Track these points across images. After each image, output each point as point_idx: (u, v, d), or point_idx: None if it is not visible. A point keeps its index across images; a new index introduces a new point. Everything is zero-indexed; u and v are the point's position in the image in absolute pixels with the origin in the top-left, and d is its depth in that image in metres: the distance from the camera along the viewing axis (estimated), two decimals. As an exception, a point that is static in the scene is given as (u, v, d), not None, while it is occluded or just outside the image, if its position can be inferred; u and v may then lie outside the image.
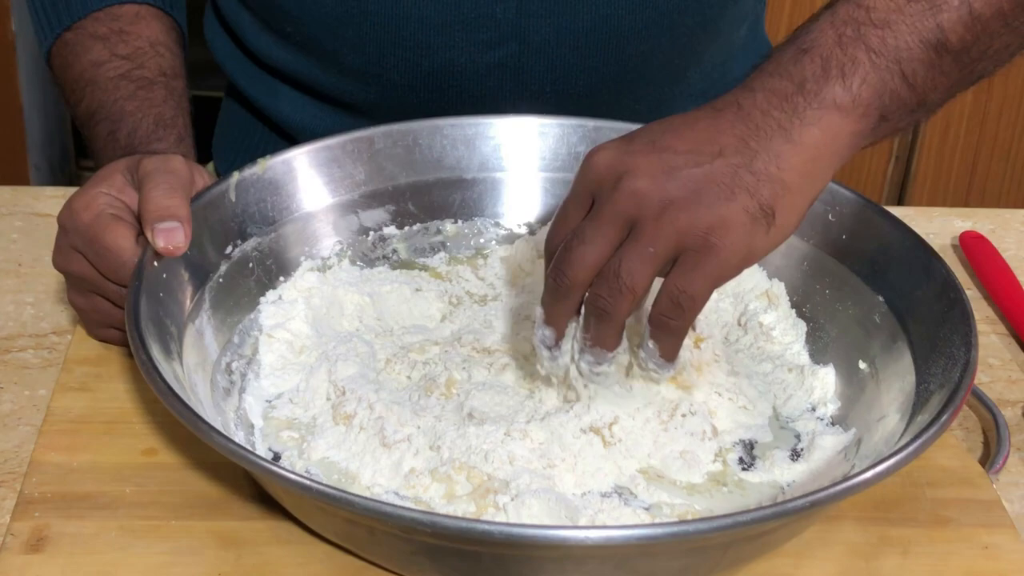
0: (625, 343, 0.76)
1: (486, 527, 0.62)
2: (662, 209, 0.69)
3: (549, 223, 0.76)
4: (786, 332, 0.89)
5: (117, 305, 0.84)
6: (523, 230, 0.99)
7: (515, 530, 0.64)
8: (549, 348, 0.76)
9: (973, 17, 0.75)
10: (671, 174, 0.70)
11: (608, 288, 0.70)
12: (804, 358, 0.87)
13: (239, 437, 0.77)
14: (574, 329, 0.75)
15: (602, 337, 0.73)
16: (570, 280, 0.72)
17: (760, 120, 0.72)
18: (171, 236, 0.80)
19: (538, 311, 0.76)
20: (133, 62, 1.00)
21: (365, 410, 0.78)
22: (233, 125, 1.21)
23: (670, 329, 0.72)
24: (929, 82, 0.75)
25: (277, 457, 0.78)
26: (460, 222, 0.98)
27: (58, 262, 0.86)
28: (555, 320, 0.75)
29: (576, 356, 0.76)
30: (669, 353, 0.74)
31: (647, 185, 0.70)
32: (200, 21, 1.17)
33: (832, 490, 0.64)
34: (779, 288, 0.90)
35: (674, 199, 0.69)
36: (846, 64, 0.72)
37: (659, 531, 0.64)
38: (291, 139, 1.13)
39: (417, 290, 0.92)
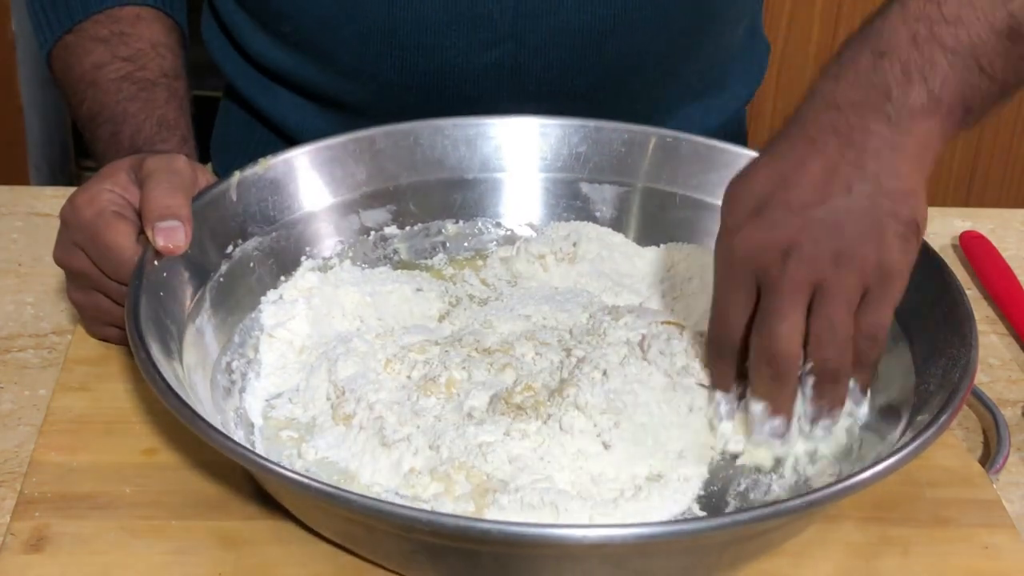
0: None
1: (484, 526, 0.62)
2: (836, 264, 0.72)
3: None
4: None
5: (117, 303, 0.84)
6: (525, 231, 0.99)
7: (513, 529, 0.64)
8: (781, 436, 0.77)
9: None
10: (826, 230, 0.73)
11: (835, 350, 0.73)
12: None
13: (239, 436, 0.77)
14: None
15: (838, 397, 0.76)
16: (786, 358, 0.74)
17: (863, 139, 0.74)
18: (171, 235, 0.80)
19: (753, 407, 0.76)
20: (135, 64, 1.00)
21: (364, 410, 0.78)
22: (231, 126, 1.21)
23: (870, 361, 0.75)
24: (1009, 69, 0.76)
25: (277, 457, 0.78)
26: (461, 222, 0.98)
27: (59, 257, 0.86)
28: (783, 406, 0.76)
29: (807, 429, 0.77)
30: (865, 386, 0.77)
31: (813, 249, 0.72)
32: (198, 22, 1.17)
33: (832, 490, 0.65)
34: None
35: (840, 250, 0.73)
36: (925, 67, 0.74)
37: (657, 530, 0.64)
38: (290, 140, 1.13)
39: (418, 290, 0.92)
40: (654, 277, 0.94)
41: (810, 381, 0.75)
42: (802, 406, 0.76)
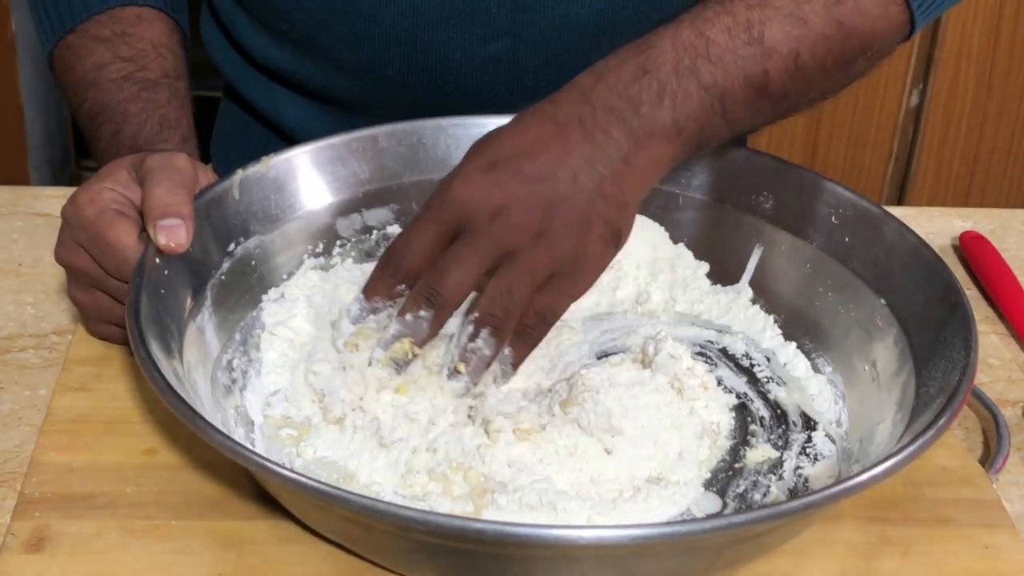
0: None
1: (480, 526, 0.62)
2: (535, 240, 0.77)
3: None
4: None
5: (118, 301, 0.84)
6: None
7: (509, 529, 0.64)
8: (400, 366, 0.80)
9: (798, 67, 0.83)
10: (542, 207, 0.77)
11: (503, 308, 0.78)
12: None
13: (239, 435, 0.78)
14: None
15: (487, 354, 0.79)
16: (443, 299, 0.78)
17: (602, 140, 0.79)
18: (173, 233, 0.80)
19: (393, 326, 0.80)
20: (136, 64, 1.00)
21: (355, 412, 0.79)
22: (231, 126, 1.21)
23: (531, 339, 0.80)
24: (745, 118, 0.83)
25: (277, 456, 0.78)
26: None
27: (60, 256, 0.86)
28: (419, 338, 0.79)
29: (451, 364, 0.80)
30: (518, 360, 0.81)
31: (523, 217, 0.77)
32: (198, 22, 1.17)
33: (831, 490, 0.65)
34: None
35: (544, 230, 0.77)
36: (679, 95, 0.80)
37: (654, 531, 0.64)
38: (289, 139, 1.13)
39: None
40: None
41: (467, 331, 0.78)
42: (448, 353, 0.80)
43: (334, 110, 1.11)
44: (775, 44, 0.82)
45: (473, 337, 0.78)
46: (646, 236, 0.93)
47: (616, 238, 0.80)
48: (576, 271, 0.79)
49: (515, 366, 0.81)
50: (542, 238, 0.77)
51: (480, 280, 0.78)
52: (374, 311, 0.82)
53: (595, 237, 0.78)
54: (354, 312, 0.82)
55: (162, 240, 0.79)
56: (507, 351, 0.80)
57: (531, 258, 0.77)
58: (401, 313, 0.79)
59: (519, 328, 0.79)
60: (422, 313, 0.79)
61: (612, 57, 0.82)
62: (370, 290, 0.82)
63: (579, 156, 0.79)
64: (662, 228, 0.94)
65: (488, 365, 0.79)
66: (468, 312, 0.79)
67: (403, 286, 0.80)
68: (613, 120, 0.79)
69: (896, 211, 0.89)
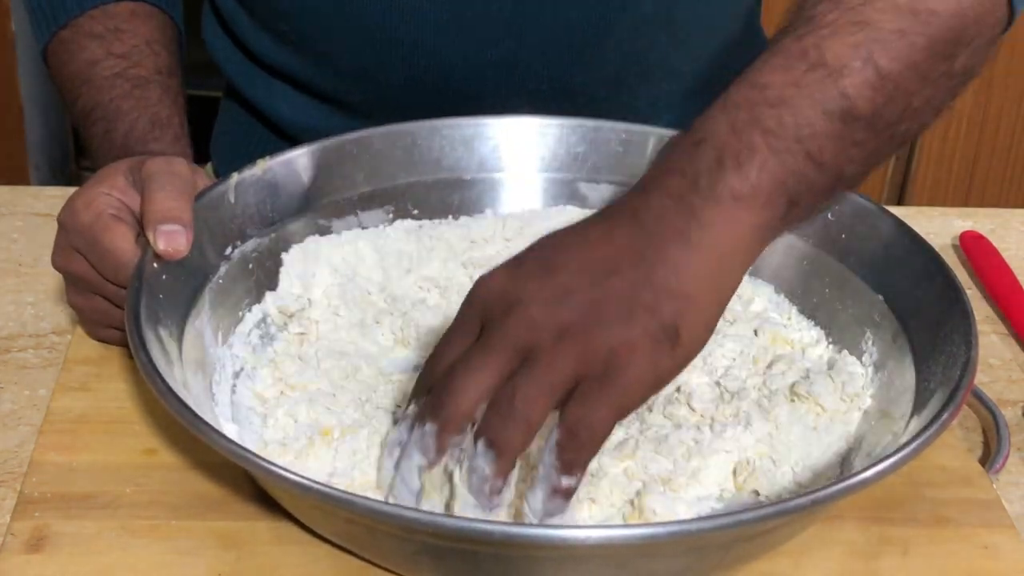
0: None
1: (485, 527, 0.62)
2: (558, 336, 0.64)
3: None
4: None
5: (117, 305, 0.84)
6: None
7: (515, 530, 0.64)
8: (414, 492, 0.67)
9: (881, 76, 0.69)
10: (565, 298, 0.64)
11: (501, 418, 0.63)
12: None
13: (231, 431, 0.77)
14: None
15: (494, 481, 0.64)
16: (450, 411, 0.64)
17: (654, 227, 0.66)
18: (173, 239, 0.80)
19: (407, 437, 0.68)
20: (129, 60, 1.00)
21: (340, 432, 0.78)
22: (232, 126, 1.22)
23: (568, 461, 0.64)
24: (842, 156, 0.69)
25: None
26: (459, 222, 0.98)
27: (57, 262, 0.86)
28: (429, 455, 0.66)
29: (461, 487, 0.66)
30: (562, 490, 0.65)
31: (540, 312, 0.64)
32: (199, 22, 1.17)
33: (832, 489, 0.64)
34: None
35: (569, 325, 0.64)
36: (741, 152, 0.67)
37: (659, 531, 0.64)
38: (290, 140, 1.13)
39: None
40: None
41: (480, 447, 0.64)
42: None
43: (336, 110, 1.11)
44: (842, 59, 0.69)
45: (473, 452, 0.65)
46: None
47: (670, 336, 0.64)
48: (613, 374, 0.63)
49: (565, 496, 0.65)
50: (564, 337, 0.63)
51: (494, 385, 0.65)
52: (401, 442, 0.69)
53: (639, 333, 0.64)
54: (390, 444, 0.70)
55: (161, 245, 0.79)
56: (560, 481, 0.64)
57: (548, 359, 0.63)
58: (418, 420, 0.67)
59: (559, 455, 0.64)
60: (427, 428, 0.66)
61: (669, 141, 0.72)
62: (411, 396, 0.71)
63: (626, 248, 0.66)
64: None
65: (495, 490, 0.65)
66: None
67: None
68: (667, 201, 0.67)
69: (896, 211, 0.89)
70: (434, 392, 0.66)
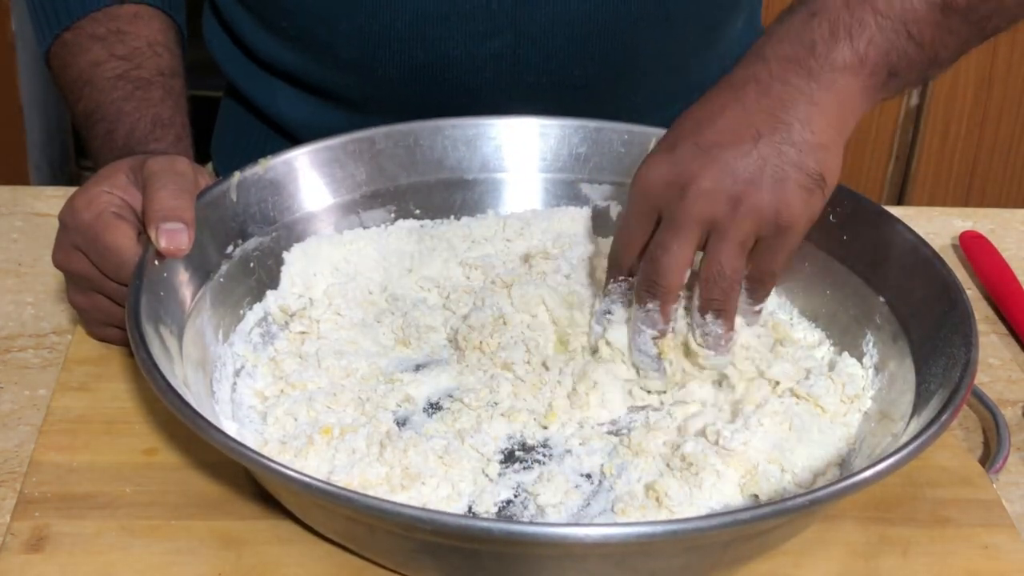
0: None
1: (485, 525, 0.63)
2: (733, 205, 0.76)
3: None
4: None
5: (117, 304, 0.84)
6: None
7: (514, 528, 0.64)
8: (654, 360, 0.82)
9: None
10: (727, 171, 0.75)
11: (720, 289, 0.78)
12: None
13: (231, 429, 0.77)
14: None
15: (723, 331, 0.81)
16: (665, 288, 0.79)
17: (780, 90, 0.76)
18: (174, 238, 0.80)
19: (635, 324, 0.81)
20: (131, 62, 1.00)
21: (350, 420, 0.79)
22: (232, 125, 1.22)
23: (759, 297, 0.82)
24: (938, 41, 0.79)
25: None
26: (461, 222, 0.98)
27: (58, 260, 0.86)
28: (658, 326, 0.81)
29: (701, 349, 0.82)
30: (729, 327, 0.81)
31: (712, 187, 0.75)
32: (199, 22, 1.17)
33: (832, 489, 0.65)
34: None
35: (739, 193, 0.75)
36: (853, 26, 0.77)
37: (658, 529, 0.64)
38: (290, 137, 1.13)
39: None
40: None
41: (696, 318, 0.80)
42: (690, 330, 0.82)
43: (335, 107, 1.11)
44: None
45: (703, 321, 0.80)
46: None
47: (818, 181, 0.76)
48: (783, 227, 0.77)
49: (758, 313, 0.83)
50: (739, 204, 0.76)
51: (693, 256, 0.78)
52: (608, 312, 0.84)
53: (793, 187, 0.76)
54: (599, 307, 0.85)
55: (163, 243, 0.79)
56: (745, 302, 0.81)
57: (734, 228, 0.76)
58: (637, 302, 0.81)
59: (748, 292, 0.81)
60: (649, 306, 0.80)
61: (783, 13, 0.80)
62: (605, 292, 0.84)
63: (757, 112, 0.76)
64: None
65: (728, 340, 0.81)
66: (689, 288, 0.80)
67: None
68: (788, 68, 0.77)
69: (896, 211, 0.89)
70: (644, 276, 0.79)
